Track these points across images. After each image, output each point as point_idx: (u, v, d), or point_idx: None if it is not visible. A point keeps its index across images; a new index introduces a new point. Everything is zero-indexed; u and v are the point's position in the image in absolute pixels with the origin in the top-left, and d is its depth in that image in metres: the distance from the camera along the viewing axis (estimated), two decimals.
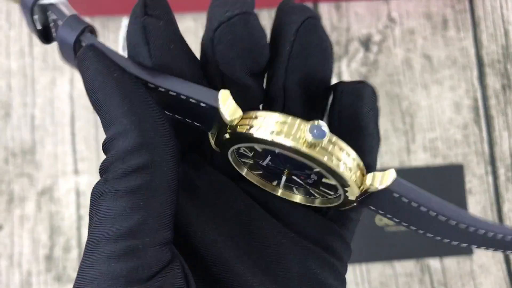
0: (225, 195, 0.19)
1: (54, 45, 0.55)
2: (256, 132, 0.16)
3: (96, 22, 0.56)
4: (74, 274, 0.53)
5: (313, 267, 0.18)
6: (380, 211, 0.18)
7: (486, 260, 0.55)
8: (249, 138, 0.16)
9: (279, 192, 0.20)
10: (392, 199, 0.17)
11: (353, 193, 0.17)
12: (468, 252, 0.55)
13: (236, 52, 0.17)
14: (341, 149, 0.16)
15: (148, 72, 0.16)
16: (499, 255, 0.56)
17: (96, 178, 0.54)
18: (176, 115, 0.18)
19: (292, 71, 0.18)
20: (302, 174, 0.17)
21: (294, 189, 0.19)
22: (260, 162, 0.18)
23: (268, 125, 0.15)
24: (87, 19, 0.56)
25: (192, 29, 0.57)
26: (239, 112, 0.16)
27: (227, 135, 0.17)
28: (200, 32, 0.56)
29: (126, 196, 0.15)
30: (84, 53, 0.17)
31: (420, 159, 0.56)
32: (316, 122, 0.15)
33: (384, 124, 0.57)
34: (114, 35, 0.56)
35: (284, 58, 0.17)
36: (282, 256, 0.18)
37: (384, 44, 0.58)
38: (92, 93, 0.16)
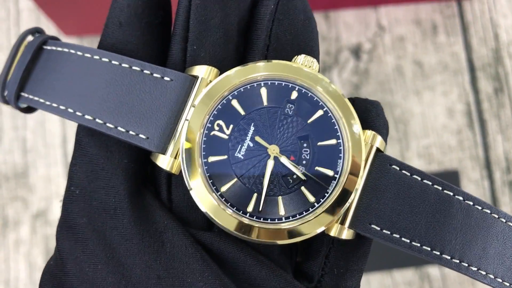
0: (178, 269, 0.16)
1: None
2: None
3: (84, 42, 0.56)
4: None
5: None
6: (386, 224, 0.16)
7: None
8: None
9: (254, 234, 0.15)
10: (396, 179, 0.16)
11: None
12: None
13: None
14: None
15: None
16: None
17: None
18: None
19: (277, 37, 0.16)
20: (292, 151, 0.15)
21: (280, 205, 0.16)
22: (236, 153, 0.15)
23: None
24: (75, 40, 0.56)
25: None
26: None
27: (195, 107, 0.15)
28: None
29: None
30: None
31: (415, 166, 0.56)
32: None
33: None
34: None
35: (268, 19, 0.16)
36: None
37: (374, 52, 0.58)
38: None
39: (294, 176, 0.16)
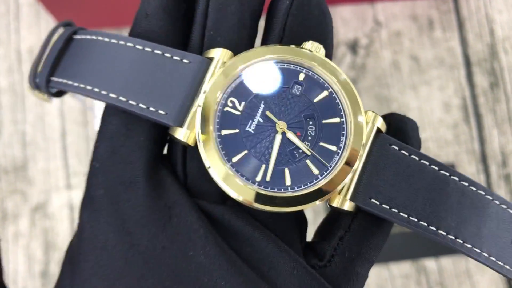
0: (187, 246, 0.17)
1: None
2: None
3: None
4: None
5: None
6: (385, 199, 0.17)
7: None
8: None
9: (258, 204, 0.17)
10: (395, 158, 0.17)
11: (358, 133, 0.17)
12: None
13: None
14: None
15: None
16: None
17: None
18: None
19: (291, 30, 0.18)
20: (299, 127, 0.17)
21: (286, 176, 0.17)
22: (247, 128, 0.17)
23: None
24: None
25: None
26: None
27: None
28: None
29: None
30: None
31: None
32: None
33: None
34: None
35: (283, 13, 0.18)
36: None
37: (371, 47, 0.59)
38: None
39: (300, 151, 0.17)
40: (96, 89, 0.18)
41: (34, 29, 0.57)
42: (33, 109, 0.55)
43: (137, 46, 0.17)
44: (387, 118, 0.19)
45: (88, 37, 0.19)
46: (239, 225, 0.17)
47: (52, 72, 0.20)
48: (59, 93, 0.21)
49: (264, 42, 0.18)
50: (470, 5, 0.60)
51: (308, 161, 0.17)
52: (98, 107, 0.27)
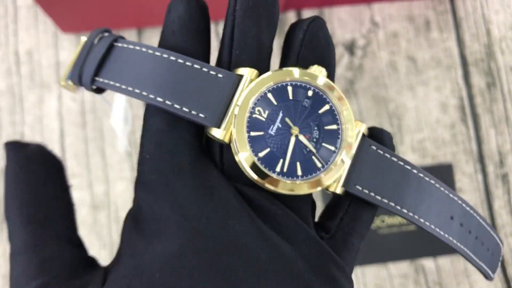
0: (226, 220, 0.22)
1: (41, 62, 0.55)
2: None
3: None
4: None
5: None
6: (365, 185, 0.23)
7: None
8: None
9: (280, 186, 0.22)
10: (374, 155, 0.23)
11: (349, 135, 0.23)
12: None
13: (255, 5, 0.22)
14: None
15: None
16: None
17: (88, 193, 0.54)
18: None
19: (303, 57, 0.23)
20: (307, 131, 0.22)
21: (298, 168, 0.22)
22: (270, 131, 0.22)
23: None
24: (73, 36, 0.56)
25: None
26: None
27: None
28: None
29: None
30: None
31: (409, 160, 0.57)
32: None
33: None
34: None
35: (297, 45, 0.23)
36: None
37: (368, 48, 0.59)
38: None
39: (308, 149, 0.22)
40: (137, 90, 0.22)
41: (32, 31, 0.57)
42: (31, 111, 0.55)
43: (179, 60, 0.22)
44: (369, 130, 0.25)
45: (126, 45, 0.23)
46: (266, 204, 0.22)
47: (96, 73, 0.23)
48: (99, 90, 0.24)
49: (283, 65, 0.24)
50: (466, 5, 0.60)
51: (313, 157, 0.22)
52: (117, 103, 0.30)
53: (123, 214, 0.54)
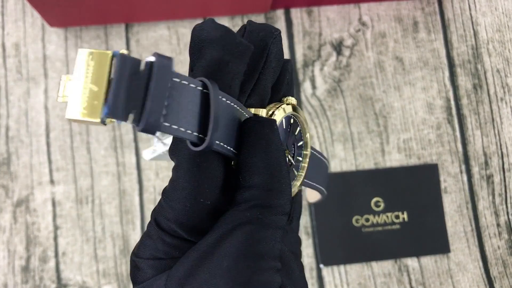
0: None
1: (27, 56, 0.54)
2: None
3: (68, 33, 0.57)
4: (51, 285, 0.52)
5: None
6: None
7: (463, 258, 0.56)
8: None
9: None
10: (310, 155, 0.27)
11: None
12: (445, 250, 0.56)
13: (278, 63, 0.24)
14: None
15: None
16: (475, 253, 0.56)
17: (72, 187, 0.54)
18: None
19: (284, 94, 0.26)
20: (290, 149, 0.25)
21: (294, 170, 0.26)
22: None
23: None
24: (60, 30, 0.56)
25: (166, 37, 0.57)
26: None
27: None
28: (173, 40, 0.57)
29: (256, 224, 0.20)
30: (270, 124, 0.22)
31: (395, 159, 0.57)
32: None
33: (359, 126, 0.58)
34: (88, 45, 0.57)
35: (283, 85, 0.25)
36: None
37: (356, 47, 0.59)
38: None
39: (290, 163, 0.26)
40: (189, 131, 0.19)
41: (19, 24, 0.57)
42: (16, 104, 0.55)
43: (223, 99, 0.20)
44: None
45: (186, 83, 0.19)
46: None
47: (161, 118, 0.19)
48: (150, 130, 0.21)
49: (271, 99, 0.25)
50: (455, 7, 0.61)
51: (293, 168, 0.26)
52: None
53: (107, 208, 0.54)
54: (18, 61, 0.56)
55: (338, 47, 0.59)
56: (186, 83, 0.19)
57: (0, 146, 0.54)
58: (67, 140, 0.55)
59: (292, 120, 0.26)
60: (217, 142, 0.19)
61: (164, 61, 0.18)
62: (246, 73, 0.22)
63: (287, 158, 0.25)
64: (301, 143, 0.27)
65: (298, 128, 0.26)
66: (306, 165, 0.27)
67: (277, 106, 0.24)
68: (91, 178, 0.54)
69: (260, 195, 0.20)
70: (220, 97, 0.19)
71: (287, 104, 0.25)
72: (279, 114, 0.24)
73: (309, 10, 0.60)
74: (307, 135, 0.27)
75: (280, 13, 0.59)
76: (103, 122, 0.17)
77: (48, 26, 0.56)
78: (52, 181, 0.54)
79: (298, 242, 0.26)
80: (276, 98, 0.25)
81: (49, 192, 0.54)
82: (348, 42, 0.59)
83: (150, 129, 0.18)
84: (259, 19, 0.58)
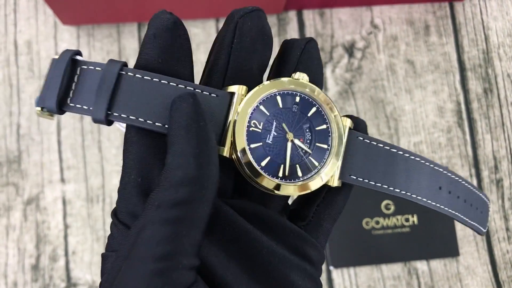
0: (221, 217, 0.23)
1: (39, 53, 0.54)
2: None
3: (81, 31, 0.57)
4: (60, 283, 0.52)
5: (296, 279, 0.23)
6: (359, 174, 0.24)
7: (472, 261, 0.56)
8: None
9: (282, 190, 0.23)
10: (361, 145, 0.24)
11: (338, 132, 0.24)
12: (454, 254, 0.56)
13: (253, 40, 0.22)
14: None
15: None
16: (484, 257, 0.56)
17: (83, 186, 0.54)
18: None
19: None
20: (301, 135, 0.23)
21: (298, 170, 0.24)
22: (267, 140, 0.23)
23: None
24: (73, 28, 0.56)
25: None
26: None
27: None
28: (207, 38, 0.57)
29: (172, 224, 0.18)
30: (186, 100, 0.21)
31: None
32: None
33: (369, 128, 0.58)
34: (100, 44, 0.57)
35: (294, 61, 0.24)
36: (274, 270, 0.22)
37: (367, 50, 0.59)
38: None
39: (304, 151, 0.24)
40: (149, 121, 0.21)
41: (32, 22, 0.57)
42: (28, 102, 0.55)
43: (179, 86, 0.22)
44: (348, 117, 0.26)
45: (138, 76, 0.22)
46: (247, 206, 0.23)
47: (109, 107, 0.22)
48: (109, 122, 0.23)
49: (276, 77, 0.24)
50: (466, 11, 0.61)
51: (310, 157, 0.24)
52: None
53: None
54: (30, 59, 0.56)
55: (350, 49, 0.59)
56: (92, 68, 0.22)
57: (11, 144, 0.54)
58: (78, 139, 0.55)
59: (298, 98, 0.24)
60: (133, 117, 0.21)
61: (64, 55, 0.22)
62: (216, 51, 0.23)
63: (290, 144, 0.23)
64: (323, 126, 0.24)
65: (314, 109, 0.24)
66: (335, 151, 0.24)
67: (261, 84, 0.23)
68: (102, 177, 0.54)
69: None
70: (131, 73, 0.21)
71: (295, 79, 0.23)
72: (257, 91, 0.23)
73: (322, 12, 0.60)
74: (333, 115, 0.24)
75: (292, 14, 0.59)
76: (43, 114, 0.22)
77: (60, 23, 0.56)
78: (62, 180, 0.54)
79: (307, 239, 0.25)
80: (284, 75, 0.24)
81: (60, 190, 0.54)
82: (360, 44, 0.59)
83: (99, 119, 0.21)
84: (271, 20, 0.58)
